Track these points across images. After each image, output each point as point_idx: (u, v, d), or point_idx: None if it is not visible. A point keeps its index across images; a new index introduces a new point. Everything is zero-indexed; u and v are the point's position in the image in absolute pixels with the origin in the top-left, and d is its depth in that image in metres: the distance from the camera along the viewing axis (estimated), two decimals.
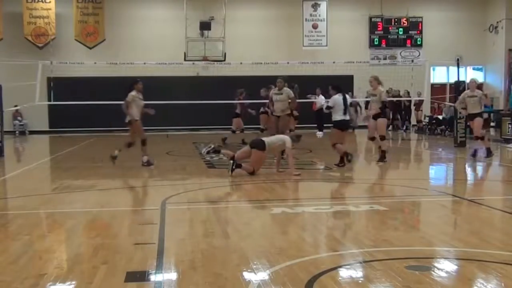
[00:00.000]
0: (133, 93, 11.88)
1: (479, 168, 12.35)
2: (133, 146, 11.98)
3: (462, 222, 6.79)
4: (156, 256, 4.96)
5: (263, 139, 10.51)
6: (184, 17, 24.07)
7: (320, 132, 20.95)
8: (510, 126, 17.60)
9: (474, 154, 12.86)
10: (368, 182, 10.05)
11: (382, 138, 12.16)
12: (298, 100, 16.11)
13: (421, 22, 27.65)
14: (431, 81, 27.34)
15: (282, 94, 13.35)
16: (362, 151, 16.52)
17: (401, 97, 24.48)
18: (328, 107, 11.43)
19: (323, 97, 20.28)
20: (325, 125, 21.38)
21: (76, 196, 8.60)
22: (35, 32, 24.92)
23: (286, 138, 10.45)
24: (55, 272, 4.58)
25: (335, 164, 11.40)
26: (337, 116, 11.30)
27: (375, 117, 12.05)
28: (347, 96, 11.56)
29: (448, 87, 27.02)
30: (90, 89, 23.42)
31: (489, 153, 12.72)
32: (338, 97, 11.35)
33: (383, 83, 12.45)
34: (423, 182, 10.23)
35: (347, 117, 11.40)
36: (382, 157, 11.98)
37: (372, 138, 12.52)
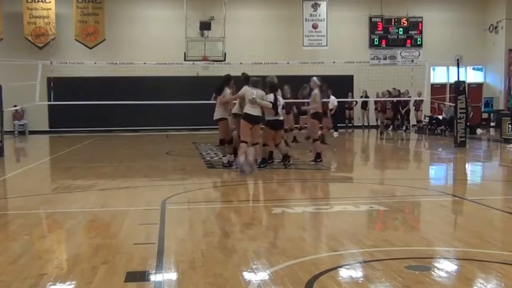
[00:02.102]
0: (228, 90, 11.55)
1: (479, 168, 12.34)
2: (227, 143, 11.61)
3: (462, 222, 6.79)
4: (156, 256, 4.96)
5: (251, 113, 10.65)
6: (184, 17, 24.08)
7: (335, 132, 20.98)
8: (510, 126, 17.60)
9: (316, 159, 11.85)
10: (368, 182, 10.05)
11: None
12: (298, 100, 16.10)
13: (421, 22, 27.65)
14: (431, 81, 27.34)
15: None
16: (361, 151, 16.49)
17: (401, 97, 24.47)
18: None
19: (334, 97, 20.25)
20: (338, 124, 21.49)
21: (76, 196, 8.60)
22: (35, 32, 24.90)
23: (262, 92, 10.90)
24: (55, 272, 4.58)
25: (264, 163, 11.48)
26: (270, 115, 11.20)
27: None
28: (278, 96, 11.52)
29: (448, 87, 27.02)
30: (90, 89, 23.44)
31: (317, 158, 11.84)
32: (272, 96, 11.27)
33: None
34: (423, 182, 10.23)
35: (280, 117, 11.38)
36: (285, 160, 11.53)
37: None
